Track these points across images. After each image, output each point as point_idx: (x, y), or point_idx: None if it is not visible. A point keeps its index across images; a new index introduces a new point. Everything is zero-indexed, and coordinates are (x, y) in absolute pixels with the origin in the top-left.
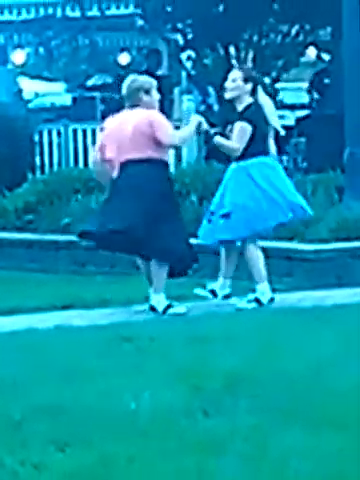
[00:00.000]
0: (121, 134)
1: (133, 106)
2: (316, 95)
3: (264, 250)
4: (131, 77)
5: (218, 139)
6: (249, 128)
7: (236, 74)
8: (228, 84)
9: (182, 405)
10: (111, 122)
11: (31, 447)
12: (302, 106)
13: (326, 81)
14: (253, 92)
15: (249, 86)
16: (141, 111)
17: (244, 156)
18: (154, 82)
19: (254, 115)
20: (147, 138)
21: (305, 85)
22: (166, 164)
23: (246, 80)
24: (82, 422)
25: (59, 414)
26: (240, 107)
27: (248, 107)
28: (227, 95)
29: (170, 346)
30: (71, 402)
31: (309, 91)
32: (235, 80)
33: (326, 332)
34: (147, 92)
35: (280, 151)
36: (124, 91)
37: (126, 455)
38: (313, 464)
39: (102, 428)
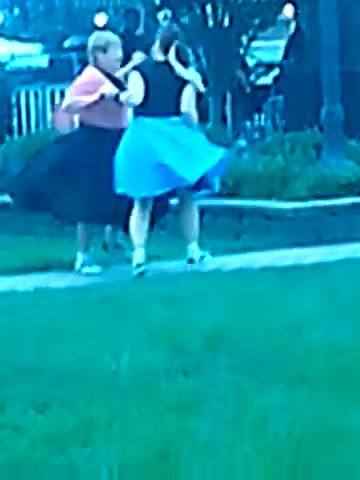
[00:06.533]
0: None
1: (87, 64)
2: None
3: (242, 209)
4: (93, 35)
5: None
6: None
7: None
8: None
9: (162, 365)
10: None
11: (10, 410)
12: (280, 64)
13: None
14: None
15: None
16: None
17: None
18: (112, 40)
19: None
20: None
21: (282, 43)
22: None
23: None
24: (62, 384)
25: (38, 376)
26: None
27: None
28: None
29: (149, 307)
30: (50, 364)
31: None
32: None
33: (305, 290)
34: (104, 50)
35: (258, 109)
36: None
37: (106, 416)
38: (292, 422)
39: (82, 390)
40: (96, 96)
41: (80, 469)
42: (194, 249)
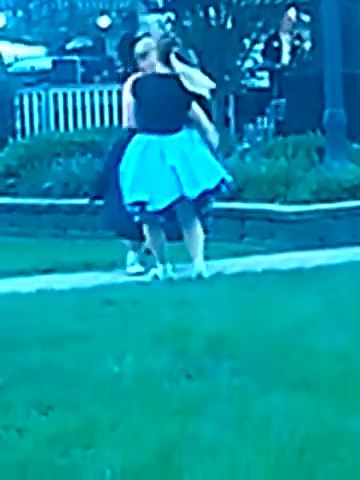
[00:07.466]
0: None
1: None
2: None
3: (245, 212)
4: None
5: None
6: None
7: None
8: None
9: (165, 368)
10: None
11: (14, 411)
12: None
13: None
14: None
15: None
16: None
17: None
18: (152, 45)
19: None
20: None
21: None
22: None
23: None
24: (65, 386)
25: (42, 378)
26: None
27: None
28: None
29: (152, 309)
30: (54, 366)
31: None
32: None
33: (308, 293)
34: (143, 57)
35: (261, 113)
36: None
37: (109, 418)
38: (294, 425)
39: (85, 391)
40: None
41: (83, 471)
42: (199, 263)
